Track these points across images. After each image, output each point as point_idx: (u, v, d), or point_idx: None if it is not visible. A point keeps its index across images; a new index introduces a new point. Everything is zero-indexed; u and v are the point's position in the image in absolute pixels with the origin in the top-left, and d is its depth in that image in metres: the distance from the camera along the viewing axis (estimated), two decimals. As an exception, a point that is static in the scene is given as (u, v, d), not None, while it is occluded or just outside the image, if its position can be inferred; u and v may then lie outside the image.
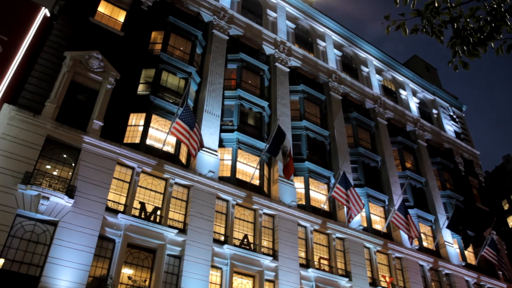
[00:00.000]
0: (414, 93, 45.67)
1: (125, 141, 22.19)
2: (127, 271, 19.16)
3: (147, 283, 18.98)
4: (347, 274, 26.30)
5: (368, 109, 38.21)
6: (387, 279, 28.29)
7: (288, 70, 33.22)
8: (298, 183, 28.40)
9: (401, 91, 43.86)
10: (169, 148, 23.82)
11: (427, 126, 42.62)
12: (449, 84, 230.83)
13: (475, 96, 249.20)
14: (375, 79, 41.42)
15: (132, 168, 21.46)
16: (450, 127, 46.56)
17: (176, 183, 22.48)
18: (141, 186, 21.57)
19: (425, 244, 33.34)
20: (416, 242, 31.29)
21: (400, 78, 44.83)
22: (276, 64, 32.61)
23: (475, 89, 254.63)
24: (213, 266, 21.37)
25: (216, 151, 24.93)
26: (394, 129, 38.95)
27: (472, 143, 48.28)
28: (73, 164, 19.84)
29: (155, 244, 20.12)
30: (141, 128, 23.22)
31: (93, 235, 18.48)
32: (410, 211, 33.25)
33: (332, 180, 29.72)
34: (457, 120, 49.04)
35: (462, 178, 42.31)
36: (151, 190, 21.83)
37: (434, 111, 46.53)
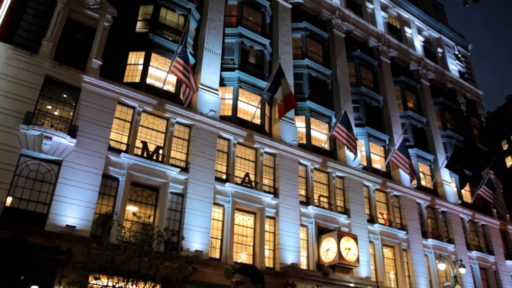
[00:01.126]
0: (420, 31, 44.47)
1: (125, 80, 21.96)
2: (131, 208, 19.69)
3: (151, 219, 19.57)
4: (346, 211, 27.04)
5: (371, 47, 37.38)
6: (385, 216, 29.12)
7: (290, 6, 32.14)
8: (299, 122, 28.43)
9: (406, 29, 42.69)
10: (170, 87, 23.63)
11: (431, 66, 41.91)
12: (455, 23, 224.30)
13: (481, 35, 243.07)
14: (380, 16, 40.18)
15: (133, 108, 21.42)
16: (454, 67, 45.81)
17: (177, 122, 22.52)
18: (142, 126, 21.65)
19: (423, 183, 33.98)
20: (414, 181, 31.85)
21: (405, 15, 43.46)
22: (278, 0, 31.51)
23: (481, 28, 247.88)
24: (215, 203, 21.93)
25: (217, 90, 24.74)
26: (397, 68, 38.33)
27: (476, 83, 47.72)
28: (73, 104, 19.78)
29: (158, 183, 20.53)
30: (140, 67, 22.90)
31: (97, 174, 18.83)
32: (410, 150, 33.50)
33: (334, 120, 29.74)
34: (462, 59, 48.14)
35: (464, 118, 42.27)
36: (152, 129, 21.93)
37: (439, 50, 45.54)
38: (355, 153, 26.57)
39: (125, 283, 6.10)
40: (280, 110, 25.03)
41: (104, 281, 11.32)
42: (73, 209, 17.68)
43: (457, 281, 22.12)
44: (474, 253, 33.45)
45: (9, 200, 17.02)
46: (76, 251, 15.56)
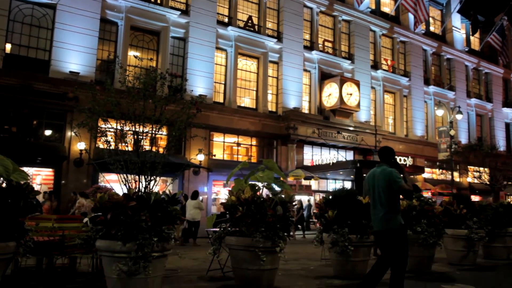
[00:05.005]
0: None
1: None
2: (133, 54, 19.50)
3: (153, 63, 19.56)
4: (350, 57, 26.75)
5: None
6: (389, 62, 28.90)
7: None
8: (306, -41, 26.27)
9: None
10: None
11: None
12: None
13: None
14: None
15: None
16: None
17: (171, -42, 20.89)
18: (135, -36, 20.11)
19: (432, 28, 32.85)
20: (423, 27, 30.76)
21: None
22: None
23: None
24: (217, 48, 21.63)
25: None
26: None
27: None
28: None
29: (158, 27, 19.96)
30: None
31: (95, 18, 18.22)
32: (422, -8, 31.66)
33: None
34: None
35: (485, -44, 38.83)
36: (147, -32, 20.44)
37: None
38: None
39: (132, 125, 6.32)
40: None
41: (112, 124, 11.72)
42: (74, 55, 17.57)
43: (452, 126, 22.91)
44: (473, 100, 34.06)
45: (8, 47, 16.81)
46: (83, 97, 15.86)
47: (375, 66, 28.11)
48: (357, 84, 24.90)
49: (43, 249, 5.56)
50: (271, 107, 23.21)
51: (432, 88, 31.03)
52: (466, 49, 34.48)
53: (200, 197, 17.08)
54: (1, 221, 4.20)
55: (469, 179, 29.94)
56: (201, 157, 18.82)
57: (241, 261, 5.72)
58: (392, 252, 4.51)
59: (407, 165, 22.86)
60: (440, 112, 23.52)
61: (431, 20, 32.78)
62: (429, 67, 31.65)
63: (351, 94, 24.40)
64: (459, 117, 23.07)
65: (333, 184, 24.97)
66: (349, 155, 25.27)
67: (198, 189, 16.72)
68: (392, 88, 28.81)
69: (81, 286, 5.66)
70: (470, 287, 6.20)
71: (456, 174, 27.57)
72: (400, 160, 23.97)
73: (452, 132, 22.45)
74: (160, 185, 12.32)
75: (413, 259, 7.51)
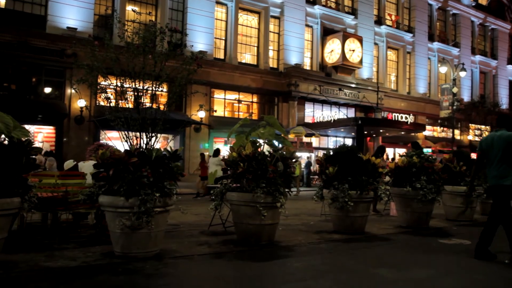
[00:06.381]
0: None
1: None
2: (131, 8, 19.06)
3: (152, 18, 19.14)
4: (353, 12, 26.11)
5: None
6: (393, 17, 28.25)
7: None
8: None
9: None
10: None
11: None
12: None
13: None
14: None
15: None
16: None
17: None
18: None
19: (438, -19, 31.92)
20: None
21: None
22: None
23: None
24: (218, 2, 21.13)
25: None
26: None
27: None
28: None
29: (156, -20, 19.40)
30: None
31: (90, -26, 17.70)
32: None
33: None
34: None
35: None
36: None
37: None
38: None
39: (132, 81, 6.23)
40: None
41: (112, 81, 11.57)
42: (71, 10, 17.20)
43: (455, 84, 22.67)
44: (478, 57, 33.54)
45: (2, 1, 16.42)
46: (82, 53, 15.59)
47: (379, 21, 27.51)
48: (360, 40, 24.45)
49: (47, 204, 5.64)
50: (272, 63, 22.93)
51: (436, 45, 30.49)
52: (473, 4, 33.61)
53: (222, 154, 17.17)
54: (4, 178, 4.23)
55: (470, 137, 29.97)
56: (202, 114, 18.77)
57: (242, 216, 5.81)
58: (501, 205, 5.09)
59: (408, 123, 22.80)
60: (443, 69, 23.23)
61: (438, -28, 31.77)
62: (434, 22, 30.96)
63: (353, 51, 24.01)
64: (462, 74, 22.77)
65: (334, 137, 25.04)
66: (351, 113, 25.19)
67: (200, 146, 16.80)
68: (395, 45, 28.32)
69: (86, 240, 5.78)
70: (466, 242, 6.32)
71: (457, 132, 27.56)
72: (402, 117, 23.88)
73: (455, 90, 22.25)
74: (162, 142, 12.38)
75: (411, 214, 7.66)
